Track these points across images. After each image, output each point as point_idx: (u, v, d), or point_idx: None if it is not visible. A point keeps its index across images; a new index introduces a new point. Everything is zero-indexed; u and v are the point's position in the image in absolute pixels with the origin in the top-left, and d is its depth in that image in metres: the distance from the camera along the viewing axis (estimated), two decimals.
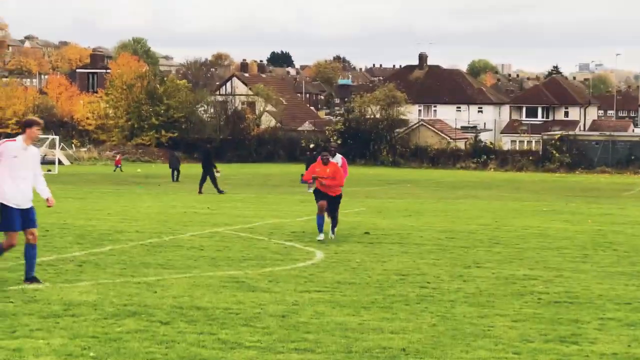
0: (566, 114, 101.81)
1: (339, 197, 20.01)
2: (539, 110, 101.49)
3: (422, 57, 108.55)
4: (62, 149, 74.34)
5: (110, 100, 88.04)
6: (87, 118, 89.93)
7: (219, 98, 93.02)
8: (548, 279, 14.24)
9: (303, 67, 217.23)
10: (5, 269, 13.84)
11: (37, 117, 13.37)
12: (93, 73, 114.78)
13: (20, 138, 12.70)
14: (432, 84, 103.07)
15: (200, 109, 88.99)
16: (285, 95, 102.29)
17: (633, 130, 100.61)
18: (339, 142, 77.53)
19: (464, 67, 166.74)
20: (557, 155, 75.18)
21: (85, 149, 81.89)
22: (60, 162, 64.31)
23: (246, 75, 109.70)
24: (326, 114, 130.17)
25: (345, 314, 10.98)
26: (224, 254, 16.69)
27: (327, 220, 19.73)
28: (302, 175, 33.57)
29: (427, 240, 19.69)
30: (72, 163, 72.97)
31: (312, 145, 69.05)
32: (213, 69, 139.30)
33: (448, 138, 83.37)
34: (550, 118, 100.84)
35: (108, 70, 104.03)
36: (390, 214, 27.58)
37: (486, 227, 23.19)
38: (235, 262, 15.60)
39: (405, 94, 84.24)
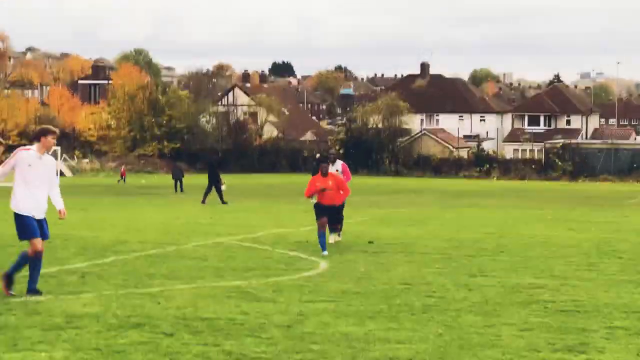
0: (568, 122, 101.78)
1: (343, 205, 20.02)
2: (541, 119, 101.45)
3: (424, 66, 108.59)
4: (64, 160, 74.35)
5: (112, 111, 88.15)
6: (89, 129, 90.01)
7: (221, 109, 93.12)
8: (554, 287, 14.13)
9: (305, 77, 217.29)
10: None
11: (52, 126, 13.29)
12: (95, 84, 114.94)
13: (34, 147, 12.62)
14: (435, 93, 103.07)
15: (202, 120, 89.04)
16: (287, 106, 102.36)
17: (635, 139, 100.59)
18: (340, 151, 77.51)
19: (465, 76, 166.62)
20: (559, 163, 75.15)
21: (87, 160, 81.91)
22: (62, 174, 64.30)
23: (248, 85, 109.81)
24: (328, 124, 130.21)
25: (350, 324, 10.87)
26: (228, 264, 16.59)
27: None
28: None
29: (432, 249, 19.57)
30: (74, 174, 72.95)
31: (318, 155, 69.13)
32: (215, 80, 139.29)
33: (450, 147, 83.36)
34: (553, 126, 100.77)
35: (110, 82, 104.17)
36: (394, 223, 27.48)
37: (491, 235, 23.08)
38: (240, 272, 15.50)
39: (407, 103, 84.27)
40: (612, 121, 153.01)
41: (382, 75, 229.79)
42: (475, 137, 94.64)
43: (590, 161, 75.22)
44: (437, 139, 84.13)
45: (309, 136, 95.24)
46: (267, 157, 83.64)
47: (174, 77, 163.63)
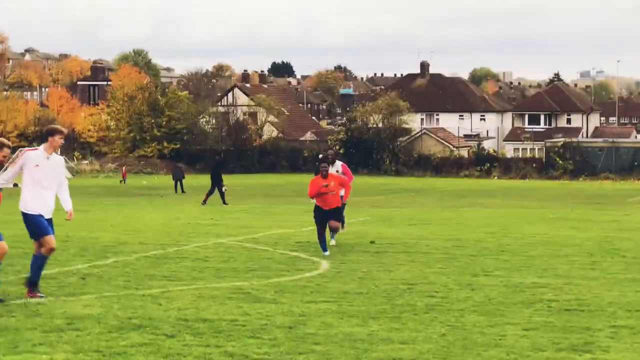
0: (568, 120, 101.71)
1: (343, 206, 19.99)
2: (542, 118, 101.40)
3: (424, 66, 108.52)
4: (64, 161, 74.32)
5: (112, 112, 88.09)
6: (89, 130, 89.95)
7: (221, 109, 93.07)
8: (557, 286, 14.05)
9: (304, 77, 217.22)
10: (7, 282, 13.66)
11: (59, 126, 13.28)
12: (94, 85, 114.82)
13: (42, 147, 12.62)
14: (434, 92, 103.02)
15: (202, 120, 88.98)
16: (287, 106, 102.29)
17: (636, 137, 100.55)
18: (341, 151, 77.47)
19: (465, 75, 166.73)
20: (560, 162, 75.07)
21: (87, 162, 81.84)
22: None
23: (247, 85, 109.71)
24: (328, 124, 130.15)
25: (353, 324, 10.80)
26: (229, 265, 16.53)
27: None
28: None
29: (434, 248, 19.49)
30: (74, 176, 72.88)
31: (321, 156, 69.02)
32: (214, 80, 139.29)
33: (451, 146, 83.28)
34: (553, 125, 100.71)
35: (109, 82, 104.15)
36: (396, 223, 27.42)
37: (493, 234, 23.00)
38: (241, 273, 15.43)
39: (407, 102, 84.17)
40: (613, 119, 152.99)
41: (382, 74, 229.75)
42: (476, 136, 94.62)
43: (591, 160, 75.15)
44: (437, 138, 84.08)
45: (309, 136, 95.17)
46: (267, 158, 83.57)
47: (173, 78, 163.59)
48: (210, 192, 37.65)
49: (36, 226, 12.35)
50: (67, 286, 13.61)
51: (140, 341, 9.71)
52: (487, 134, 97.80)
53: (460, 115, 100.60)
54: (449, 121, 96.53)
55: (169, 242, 20.47)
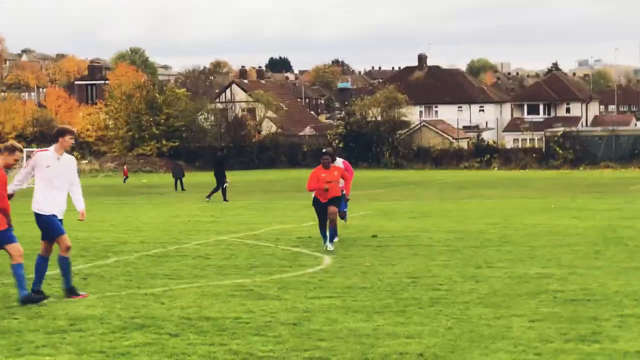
0: (568, 110, 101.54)
1: (347, 201, 19.92)
2: (541, 107, 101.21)
3: (422, 58, 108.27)
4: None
5: (110, 111, 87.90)
6: (87, 130, 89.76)
7: (219, 105, 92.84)
8: (562, 276, 13.97)
9: (302, 72, 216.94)
10: (9, 284, 13.59)
11: (69, 126, 13.29)
12: (91, 84, 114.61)
13: (52, 148, 12.63)
14: (433, 84, 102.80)
15: (200, 117, 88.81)
16: (285, 101, 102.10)
17: (635, 125, 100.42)
18: (340, 145, 77.37)
19: (463, 67, 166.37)
20: (560, 151, 74.95)
21: (86, 161, 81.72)
22: None
23: (245, 81, 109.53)
24: (327, 118, 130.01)
25: (358, 319, 10.72)
26: (231, 262, 16.44)
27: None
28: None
29: (436, 241, 19.41)
30: None
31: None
32: (212, 77, 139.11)
33: (450, 138, 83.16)
34: (552, 115, 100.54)
35: (106, 82, 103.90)
36: (397, 216, 27.33)
37: (495, 226, 22.92)
38: (243, 270, 15.35)
39: (405, 95, 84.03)
40: (612, 108, 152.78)
41: (380, 68, 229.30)
42: (475, 128, 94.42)
43: (591, 148, 75.04)
44: (436, 130, 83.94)
45: (307, 131, 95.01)
46: (266, 153, 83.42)
47: (170, 76, 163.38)
48: (216, 189, 37.62)
49: (50, 227, 12.43)
50: None
51: (143, 341, 9.63)
52: (487, 125, 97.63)
53: (459, 107, 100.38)
54: (447, 113, 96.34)
55: (169, 241, 20.39)
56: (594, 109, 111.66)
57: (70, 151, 13.50)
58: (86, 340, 9.70)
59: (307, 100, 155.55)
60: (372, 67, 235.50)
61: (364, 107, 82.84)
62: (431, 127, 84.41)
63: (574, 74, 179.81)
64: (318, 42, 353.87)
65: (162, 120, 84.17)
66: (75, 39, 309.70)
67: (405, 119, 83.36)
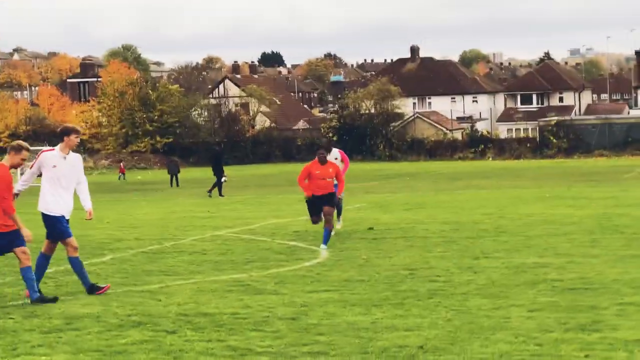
0: (561, 99, 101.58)
1: (340, 200, 19.75)
2: (534, 97, 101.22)
3: (414, 50, 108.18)
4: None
5: (103, 108, 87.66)
6: (80, 127, 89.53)
7: (212, 101, 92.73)
8: (559, 265, 13.93)
9: (294, 66, 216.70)
10: (4, 284, 13.51)
11: (74, 125, 13.22)
12: (84, 82, 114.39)
13: (58, 147, 12.54)
14: (426, 76, 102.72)
15: (194, 113, 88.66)
16: (278, 95, 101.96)
17: (628, 113, 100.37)
18: (334, 138, 77.28)
19: (455, 58, 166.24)
20: (554, 141, 74.98)
21: None
22: None
23: (238, 76, 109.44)
24: (320, 112, 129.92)
25: (356, 313, 10.66)
26: (227, 257, 16.37)
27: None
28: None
29: (432, 233, 19.35)
30: None
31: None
32: (205, 73, 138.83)
33: (444, 129, 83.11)
34: (545, 104, 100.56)
35: (99, 79, 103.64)
36: (392, 208, 27.27)
37: (490, 216, 22.87)
38: (239, 265, 15.28)
39: (398, 87, 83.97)
40: (604, 96, 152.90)
41: (372, 60, 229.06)
42: (469, 119, 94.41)
43: (585, 137, 75.07)
44: (430, 121, 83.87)
45: (301, 125, 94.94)
46: (260, 148, 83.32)
47: (163, 72, 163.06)
48: (216, 185, 37.57)
49: (57, 229, 12.39)
50: (65, 285, 13.46)
51: (140, 338, 9.56)
52: (480, 116, 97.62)
53: (452, 98, 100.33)
54: (441, 104, 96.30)
55: (165, 237, 20.30)
56: (587, 97, 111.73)
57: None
58: (82, 339, 9.62)
59: (300, 94, 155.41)
60: (365, 60, 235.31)
61: (357, 100, 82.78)
62: (425, 119, 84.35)
63: (566, 63, 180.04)
64: (310, 36, 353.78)
65: (156, 117, 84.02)
66: (66, 36, 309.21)
67: (399, 110, 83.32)
